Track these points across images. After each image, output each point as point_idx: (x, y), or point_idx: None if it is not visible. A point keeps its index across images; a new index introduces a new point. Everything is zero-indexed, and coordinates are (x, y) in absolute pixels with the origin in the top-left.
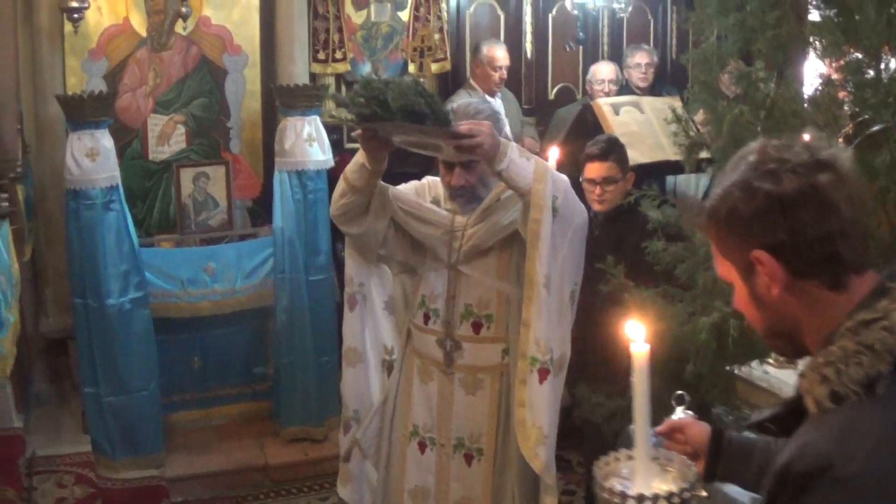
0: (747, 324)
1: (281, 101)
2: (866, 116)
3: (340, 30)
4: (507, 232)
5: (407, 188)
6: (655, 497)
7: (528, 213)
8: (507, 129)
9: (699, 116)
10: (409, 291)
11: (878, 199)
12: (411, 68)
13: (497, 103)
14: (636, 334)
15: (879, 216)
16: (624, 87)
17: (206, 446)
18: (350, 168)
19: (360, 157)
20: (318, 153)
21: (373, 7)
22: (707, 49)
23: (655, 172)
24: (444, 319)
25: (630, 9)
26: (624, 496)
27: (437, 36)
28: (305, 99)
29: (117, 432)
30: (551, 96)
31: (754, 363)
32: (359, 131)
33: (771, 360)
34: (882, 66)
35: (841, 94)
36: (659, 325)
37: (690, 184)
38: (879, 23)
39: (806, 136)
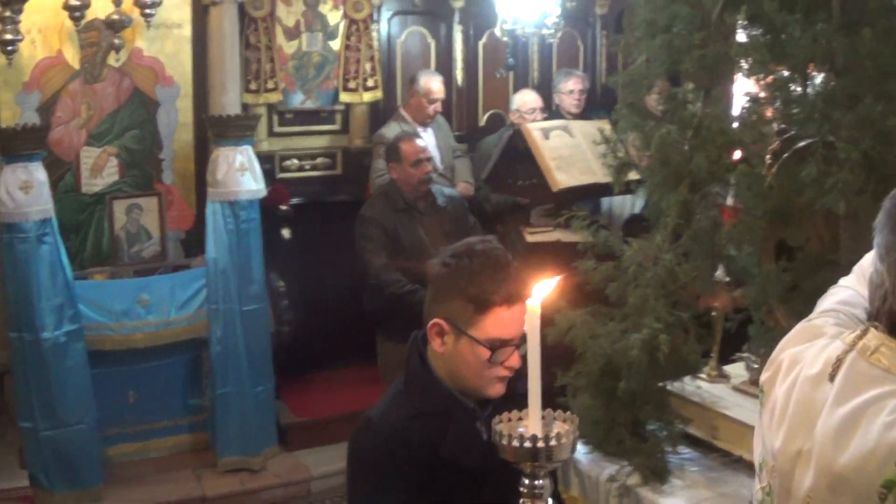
0: (677, 339)
1: (213, 131)
2: (792, 132)
3: (272, 60)
4: None
5: None
6: (547, 437)
7: None
8: (438, 161)
9: (632, 138)
10: None
11: (806, 213)
12: (343, 97)
13: (429, 134)
14: (538, 291)
15: (808, 230)
16: (554, 113)
17: (144, 479)
18: None
19: None
20: (251, 183)
21: (304, 37)
22: (634, 71)
23: (587, 195)
24: None
25: (559, 34)
26: (521, 437)
27: (368, 65)
28: (237, 129)
29: (55, 466)
30: (482, 123)
31: (687, 378)
32: None
33: (703, 375)
34: (808, 82)
35: (769, 112)
36: (591, 345)
37: (626, 205)
38: (805, 38)
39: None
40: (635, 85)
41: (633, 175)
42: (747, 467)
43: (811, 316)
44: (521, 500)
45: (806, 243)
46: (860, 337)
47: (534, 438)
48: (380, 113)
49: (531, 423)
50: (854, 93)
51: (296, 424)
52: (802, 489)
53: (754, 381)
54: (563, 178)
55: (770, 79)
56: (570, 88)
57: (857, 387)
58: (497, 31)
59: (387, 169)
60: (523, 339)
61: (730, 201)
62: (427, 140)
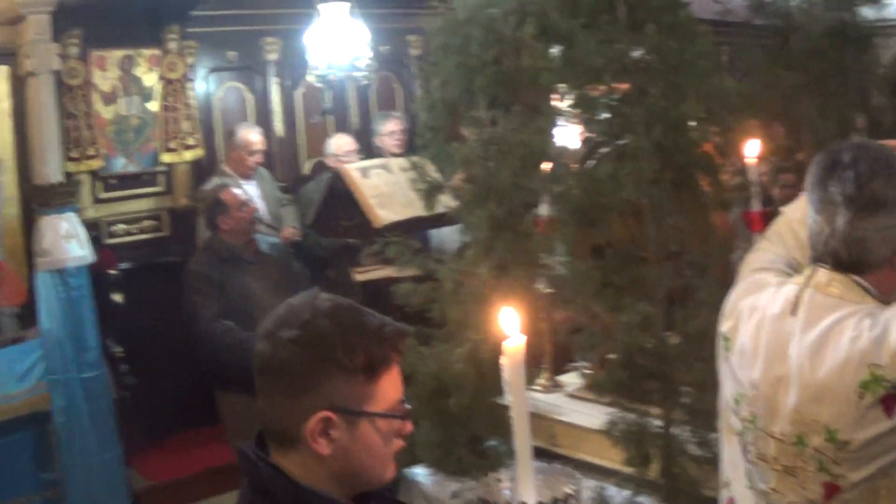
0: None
1: (36, 200)
2: (597, 139)
3: (91, 127)
4: None
5: None
6: None
7: None
8: (264, 212)
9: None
10: None
11: (613, 212)
12: (164, 158)
13: (252, 186)
14: (510, 325)
15: (618, 229)
16: (375, 155)
17: None
18: None
19: None
20: (77, 249)
21: (122, 101)
22: (433, 95)
23: (413, 229)
24: None
25: (376, 77)
26: None
27: (187, 124)
28: (59, 196)
29: None
30: (306, 171)
31: None
32: None
33: (537, 387)
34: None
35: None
36: (419, 366)
37: (455, 236)
38: (591, 41)
39: (545, 165)
40: (435, 109)
41: (446, 198)
42: (589, 470)
43: (744, 275)
44: None
45: (616, 241)
46: (811, 276)
47: None
48: (202, 170)
49: (523, 487)
50: (644, 88)
51: (148, 489)
52: (788, 406)
53: (589, 387)
54: (385, 214)
55: (567, 88)
56: (390, 130)
57: (820, 314)
58: (310, 78)
59: (216, 226)
60: None
61: (544, 211)
62: (251, 192)
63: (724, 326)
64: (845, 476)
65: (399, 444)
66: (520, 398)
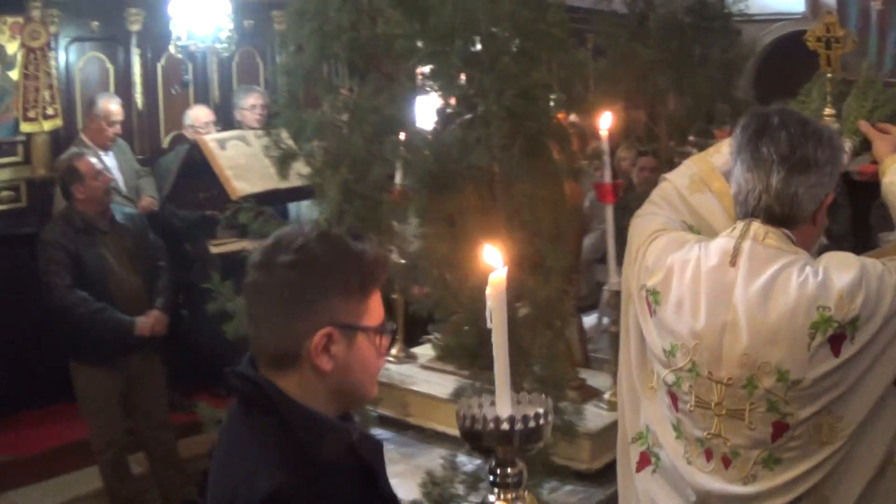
0: None
1: None
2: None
3: None
4: None
5: None
6: (525, 418)
7: None
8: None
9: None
10: None
11: (465, 179)
12: (23, 127)
13: (110, 157)
14: (493, 259)
15: (470, 197)
16: (236, 129)
17: None
18: None
19: None
20: None
21: None
22: (289, 61)
23: (271, 201)
24: None
25: (239, 52)
26: (497, 420)
27: (47, 93)
28: None
29: None
30: (165, 144)
31: None
32: None
33: (391, 357)
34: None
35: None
36: None
37: (314, 210)
38: (446, 8)
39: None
40: (292, 75)
41: (303, 169)
42: (440, 440)
43: (637, 239)
44: (491, 492)
45: (468, 209)
46: (747, 229)
47: (511, 420)
48: (61, 141)
49: (500, 404)
50: (496, 54)
51: (3, 464)
52: (736, 350)
53: (440, 358)
54: (242, 185)
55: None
56: (251, 104)
57: (762, 263)
58: (171, 49)
59: (71, 195)
60: None
61: (398, 179)
62: (108, 163)
63: (651, 281)
64: (794, 414)
65: (383, 362)
66: (500, 325)
